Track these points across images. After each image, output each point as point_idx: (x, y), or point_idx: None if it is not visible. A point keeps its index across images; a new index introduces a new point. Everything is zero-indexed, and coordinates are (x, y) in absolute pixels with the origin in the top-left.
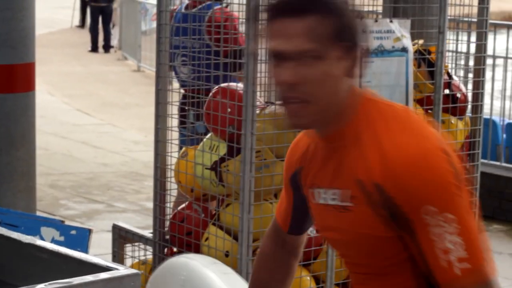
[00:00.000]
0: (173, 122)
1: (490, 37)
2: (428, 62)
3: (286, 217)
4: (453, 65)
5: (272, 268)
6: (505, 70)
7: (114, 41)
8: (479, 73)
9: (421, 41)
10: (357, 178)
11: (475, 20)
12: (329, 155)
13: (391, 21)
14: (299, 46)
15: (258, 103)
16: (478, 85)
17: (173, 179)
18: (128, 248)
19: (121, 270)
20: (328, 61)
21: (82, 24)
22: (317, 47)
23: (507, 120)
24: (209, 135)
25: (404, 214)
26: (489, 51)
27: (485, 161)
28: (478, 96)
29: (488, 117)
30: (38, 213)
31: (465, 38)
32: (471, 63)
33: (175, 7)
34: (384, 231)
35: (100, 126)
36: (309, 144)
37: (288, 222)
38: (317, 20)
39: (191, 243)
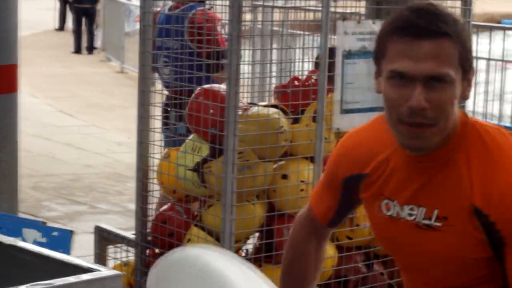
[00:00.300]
0: (156, 123)
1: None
2: None
3: (327, 212)
4: None
5: (307, 254)
6: (487, 72)
7: (97, 43)
8: None
9: None
10: (455, 200)
11: None
12: (416, 171)
13: (373, 23)
14: (433, 69)
15: (240, 104)
16: None
17: (155, 181)
18: (111, 249)
19: (103, 272)
20: (455, 85)
21: (62, 27)
22: (449, 72)
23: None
24: (191, 136)
25: (501, 239)
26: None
27: None
28: None
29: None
30: (20, 215)
31: None
32: None
33: (159, 9)
34: (475, 253)
35: (84, 127)
36: (389, 156)
37: (329, 217)
38: (449, 43)
39: (173, 244)
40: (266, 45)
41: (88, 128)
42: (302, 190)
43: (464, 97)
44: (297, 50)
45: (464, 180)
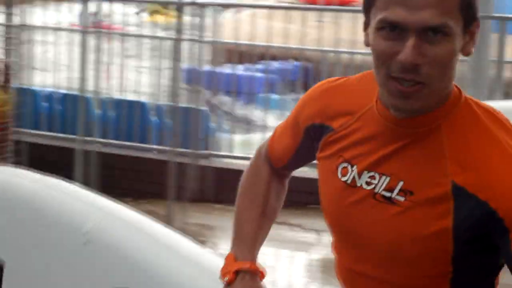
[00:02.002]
0: None
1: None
2: None
3: (283, 155)
4: None
5: (269, 181)
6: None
7: None
8: (10, 43)
9: None
10: (428, 174)
11: None
12: (389, 135)
13: None
14: (428, 19)
15: None
16: (10, 55)
17: None
18: None
19: None
20: (455, 38)
21: None
22: (448, 22)
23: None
24: None
25: (503, 227)
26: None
27: (28, 130)
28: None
29: (29, 87)
30: None
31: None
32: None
33: None
34: (431, 242)
35: None
36: (361, 115)
37: (284, 162)
38: None
39: None
40: None
41: None
42: None
43: (466, 52)
44: None
45: (446, 153)
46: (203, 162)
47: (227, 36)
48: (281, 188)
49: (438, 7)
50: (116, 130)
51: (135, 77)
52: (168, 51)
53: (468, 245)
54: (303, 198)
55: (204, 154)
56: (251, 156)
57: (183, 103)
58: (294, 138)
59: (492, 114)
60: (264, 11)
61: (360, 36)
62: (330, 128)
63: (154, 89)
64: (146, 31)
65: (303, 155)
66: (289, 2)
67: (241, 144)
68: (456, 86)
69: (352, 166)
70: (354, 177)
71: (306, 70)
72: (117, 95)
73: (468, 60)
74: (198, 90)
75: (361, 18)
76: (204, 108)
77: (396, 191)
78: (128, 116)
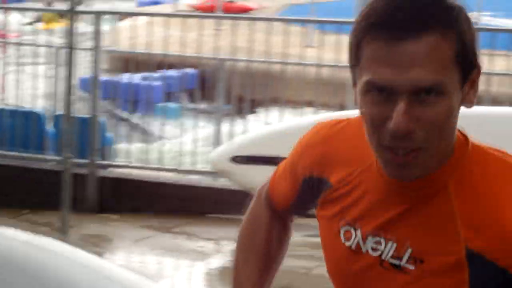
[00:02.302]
0: None
1: None
2: None
3: (284, 200)
4: None
5: (270, 229)
6: None
7: None
8: None
9: None
10: (439, 240)
11: None
12: (394, 197)
13: None
14: (418, 79)
15: None
16: None
17: None
18: None
19: None
20: (451, 95)
21: None
22: (442, 79)
23: None
24: None
25: None
26: None
27: None
28: None
29: None
30: None
31: None
32: None
33: None
34: None
35: None
36: (363, 171)
37: (286, 206)
38: (441, 40)
39: None
40: None
41: None
42: None
43: (468, 103)
44: None
45: (456, 215)
46: (100, 173)
47: (123, 45)
48: (284, 233)
49: (428, 64)
50: (11, 140)
51: (32, 86)
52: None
53: None
54: (201, 207)
55: (102, 164)
56: (150, 165)
57: (80, 113)
58: (293, 185)
59: (504, 162)
60: (161, 19)
61: (257, 44)
62: (329, 184)
63: (51, 98)
64: (42, 40)
65: (305, 201)
66: (186, 10)
67: (139, 154)
68: (462, 134)
69: (355, 230)
70: (358, 242)
71: (204, 78)
72: (13, 105)
73: None
74: (95, 99)
75: (258, 25)
76: (102, 117)
77: (405, 259)
78: (24, 126)
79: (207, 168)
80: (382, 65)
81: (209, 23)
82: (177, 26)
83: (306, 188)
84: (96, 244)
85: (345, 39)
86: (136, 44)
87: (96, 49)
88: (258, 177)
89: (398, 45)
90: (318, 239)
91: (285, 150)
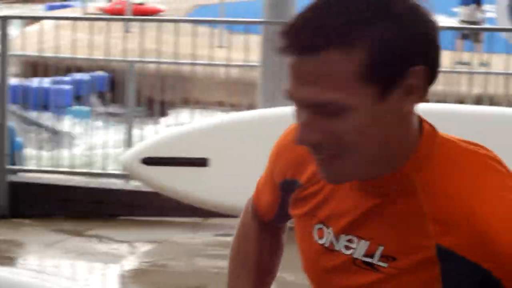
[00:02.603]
0: None
1: None
2: None
3: (268, 211)
4: None
5: (260, 241)
6: None
7: None
8: None
9: None
10: (410, 238)
11: None
12: (362, 195)
13: None
14: (312, 97)
15: None
16: None
17: None
18: None
19: None
20: (360, 109)
21: None
22: (336, 99)
23: None
24: None
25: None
26: None
27: None
28: None
29: None
30: None
31: None
32: None
33: None
34: None
35: None
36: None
37: (271, 216)
38: (342, 56)
39: None
40: None
41: None
42: None
43: (405, 111)
44: None
45: (425, 211)
46: (11, 178)
47: (32, 49)
48: (275, 244)
49: (325, 82)
50: None
51: None
52: None
53: None
54: (113, 210)
55: (12, 169)
56: (60, 169)
57: None
58: (274, 194)
59: (473, 154)
60: (70, 22)
61: (167, 45)
62: (298, 183)
63: None
64: None
65: (288, 208)
66: (94, 14)
67: (50, 158)
68: (431, 128)
69: (327, 228)
70: (331, 241)
71: (114, 81)
72: None
73: None
74: (3, 104)
75: (167, 26)
76: (11, 122)
77: (377, 257)
78: None
79: (119, 170)
80: (290, 78)
81: (118, 26)
82: (85, 29)
83: (283, 193)
84: (8, 250)
85: (253, 39)
86: (45, 48)
87: (3, 54)
88: (168, 178)
89: (301, 61)
90: (230, 238)
91: (195, 151)
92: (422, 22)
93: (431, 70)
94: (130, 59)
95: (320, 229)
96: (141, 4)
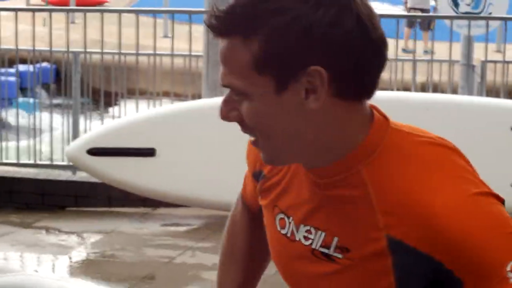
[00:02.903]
0: None
1: None
2: None
3: (255, 202)
4: None
5: (249, 232)
6: None
7: None
8: None
9: None
10: (360, 229)
11: None
12: (314, 187)
13: None
14: (223, 77)
15: None
16: None
17: None
18: None
19: None
20: (257, 98)
21: None
22: (234, 83)
23: None
24: None
25: (454, 278)
26: None
27: None
28: None
29: None
30: None
31: None
32: None
33: None
34: None
35: None
36: None
37: (258, 206)
38: (243, 43)
39: None
40: None
41: None
42: None
43: (308, 109)
44: None
45: (373, 203)
46: None
47: None
48: (265, 233)
49: (226, 66)
50: None
51: None
52: None
53: None
54: (61, 201)
55: None
56: (7, 161)
57: None
58: (253, 184)
59: (421, 143)
60: (12, 13)
61: (111, 36)
62: (263, 174)
63: None
64: None
65: None
66: (38, 4)
67: None
68: (384, 117)
69: (288, 218)
70: (292, 231)
71: (59, 72)
72: None
73: None
74: None
75: (110, 17)
76: None
77: (332, 248)
78: None
79: (65, 162)
80: None
81: (62, 17)
82: (28, 20)
83: (256, 180)
84: None
85: (196, 29)
86: None
87: None
88: (114, 169)
89: (221, 42)
90: (179, 228)
91: (141, 141)
92: (327, 24)
93: (334, 73)
94: (74, 50)
95: (282, 219)
96: None
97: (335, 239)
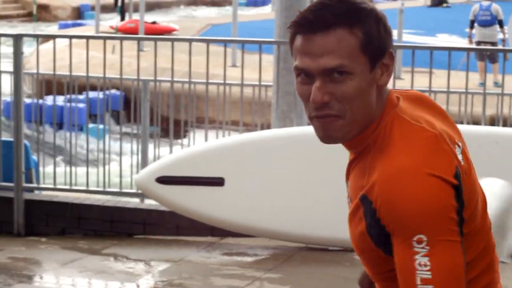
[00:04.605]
0: None
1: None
2: None
3: None
4: None
5: None
6: None
7: None
8: None
9: None
10: (359, 191)
11: None
12: (351, 163)
13: None
14: (326, 63)
15: None
16: None
17: None
18: None
19: None
20: (358, 75)
21: None
22: (344, 63)
23: None
24: None
25: (384, 228)
26: None
27: None
28: None
29: None
30: None
31: None
32: None
33: None
34: (366, 244)
35: None
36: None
37: None
38: (343, 33)
39: None
40: None
41: None
42: None
43: (381, 84)
44: None
45: (367, 168)
46: (26, 195)
47: (45, 67)
48: None
49: (334, 52)
50: None
51: None
52: None
53: (387, 245)
54: (129, 229)
55: (27, 187)
56: (76, 188)
57: (4, 136)
58: None
59: (408, 123)
60: (83, 41)
61: (179, 64)
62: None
63: None
64: None
65: None
66: (107, 32)
67: (65, 176)
68: (394, 103)
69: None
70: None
71: (128, 99)
72: None
73: None
74: (18, 122)
75: (180, 46)
76: (26, 141)
77: (348, 198)
78: None
79: (134, 189)
80: (303, 55)
81: (131, 45)
82: (98, 48)
83: None
84: (25, 268)
85: (265, 59)
86: (59, 67)
87: (17, 71)
88: (182, 198)
89: (312, 39)
90: (246, 258)
91: (210, 171)
92: (384, 20)
93: (383, 57)
94: (144, 78)
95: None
96: (154, 23)
97: (348, 192)
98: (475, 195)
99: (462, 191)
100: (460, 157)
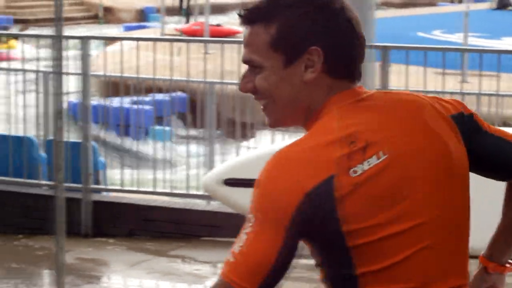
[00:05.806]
0: None
1: None
2: None
3: None
4: None
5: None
6: None
7: None
8: None
9: None
10: None
11: None
12: None
13: None
14: (243, 56)
15: None
16: None
17: None
18: None
19: None
20: (268, 70)
21: None
22: (253, 57)
23: None
24: None
25: None
26: None
27: None
28: None
29: None
30: None
31: None
32: None
33: None
34: None
35: None
36: None
37: None
38: (260, 29)
39: None
40: None
41: None
42: None
43: (304, 80)
44: None
45: None
46: (94, 197)
47: (111, 69)
48: None
49: (248, 46)
50: (4, 166)
51: (20, 112)
52: (50, 85)
53: None
54: (195, 231)
55: (95, 188)
56: (143, 189)
57: (71, 138)
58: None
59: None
60: (147, 43)
61: (243, 67)
62: None
63: (43, 124)
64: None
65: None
66: (172, 34)
67: (132, 178)
68: (341, 95)
69: None
70: None
71: (194, 102)
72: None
73: None
74: (86, 124)
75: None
76: (93, 142)
77: None
78: (17, 152)
79: (201, 191)
80: None
81: (196, 47)
82: (163, 50)
83: None
84: (93, 269)
85: None
86: (125, 69)
87: (85, 73)
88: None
89: (245, 30)
90: (312, 261)
91: None
92: (326, 20)
93: (330, 52)
94: (210, 80)
95: None
96: (218, 25)
97: None
98: (399, 207)
99: (337, 203)
100: (369, 164)
